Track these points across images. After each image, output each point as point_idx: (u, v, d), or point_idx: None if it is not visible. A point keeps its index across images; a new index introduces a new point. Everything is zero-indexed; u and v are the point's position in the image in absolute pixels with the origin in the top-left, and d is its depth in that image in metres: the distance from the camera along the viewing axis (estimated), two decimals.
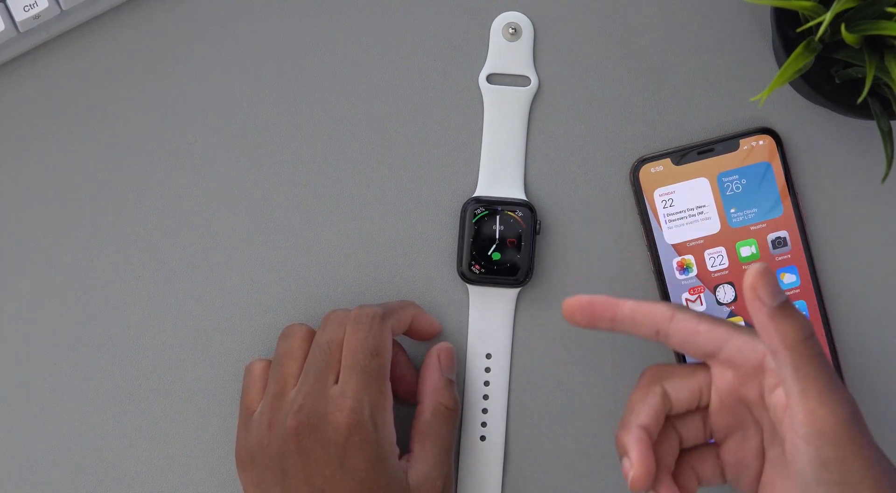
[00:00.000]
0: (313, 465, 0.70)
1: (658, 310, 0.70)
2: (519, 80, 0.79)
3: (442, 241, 0.79)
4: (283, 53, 0.79)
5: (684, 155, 0.77)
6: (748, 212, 0.77)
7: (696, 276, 0.77)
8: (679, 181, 0.77)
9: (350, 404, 0.71)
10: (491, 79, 0.79)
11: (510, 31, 0.79)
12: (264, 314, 0.78)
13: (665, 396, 0.70)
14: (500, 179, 0.78)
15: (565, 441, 0.78)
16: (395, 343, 0.76)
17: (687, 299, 0.77)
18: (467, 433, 0.78)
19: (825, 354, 0.68)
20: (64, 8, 0.76)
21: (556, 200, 0.79)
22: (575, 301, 0.71)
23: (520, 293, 0.78)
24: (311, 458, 0.70)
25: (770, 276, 0.66)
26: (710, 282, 0.77)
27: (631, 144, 0.78)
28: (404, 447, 0.76)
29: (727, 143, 0.77)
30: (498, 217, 0.78)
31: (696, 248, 0.77)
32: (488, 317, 0.78)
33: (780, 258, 0.77)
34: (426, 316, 0.77)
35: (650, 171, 0.77)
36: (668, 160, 0.77)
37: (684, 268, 0.77)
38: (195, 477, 0.78)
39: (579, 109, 0.79)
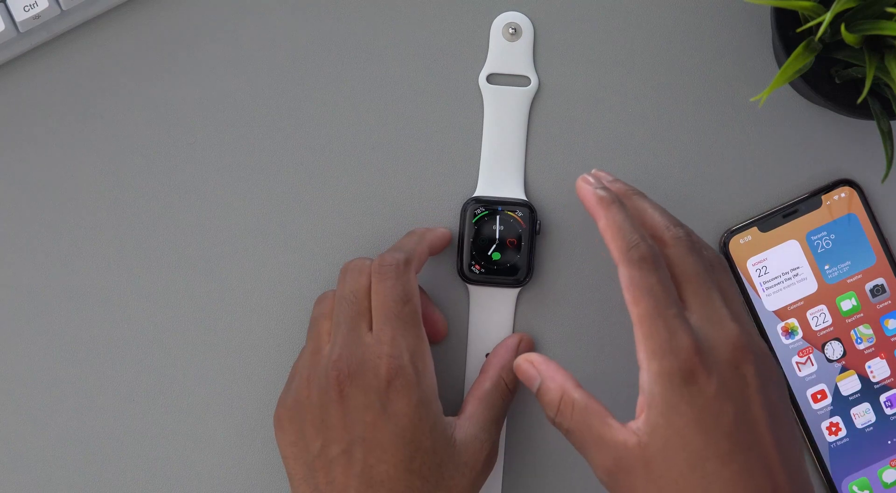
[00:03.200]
0: (354, 412, 0.70)
1: (613, 247, 0.69)
2: (519, 80, 0.79)
3: None
4: (283, 53, 0.79)
5: (770, 220, 0.77)
6: (842, 266, 0.78)
7: (803, 338, 0.77)
8: (769, 247, 0.77)
9: (388, 351, 0.71)
10: (491, 79, 0.79)
11: (510, 31, 0.79)
12: (265, 314, 0.78)
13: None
14: (500, 179, 0.78)
15: (565, 441, 0.78)
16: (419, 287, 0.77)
17: (797, 363, 0.77)
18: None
19: (581, 406, 0.69)
20: (64, 8, 0.76)
21: (556, 200, 0.79)
22: (578, 185, 0.72)
23: (520, 293, 0.78)
24: (351, 406, 0.70)
25: (523, 366, 0.71)
26: (816, 341, 0.77)
27: (633, 146, 0.78)
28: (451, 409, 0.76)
29: (809, 201, 0.78)
30: (498, 217, 0.78)
31: (798, 310, 0.77)
32: (488, 317, 0.78)
33: (881, 306, 0.77)
34: (436, 234, 0.77)
35: (739, 242, 0.77)
36: (755, 229, 0.77)
37: (789, 332, 0.77)
38: (195, 477, 0.78)
39: (579, 109, 0.79)
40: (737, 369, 0.67)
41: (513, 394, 0.75)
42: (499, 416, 0.74)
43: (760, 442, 0.66)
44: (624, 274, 0.68)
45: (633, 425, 0.67)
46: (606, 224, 0.69)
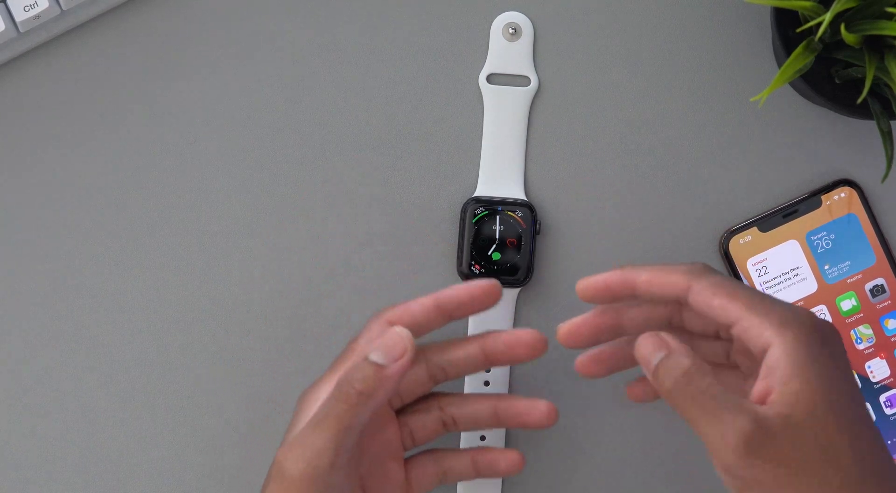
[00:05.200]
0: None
1: (674, 280, 0.68)
2: (519, 80, 0.79)
3: (442, 241, 0.79)
4: (283, 53, 0.79)
5: (770, 220, 0.77)
6: (842, 266, 0.78)
7: None
8: (769, 248, 0.77)
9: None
10: (491, 79, 0.79)
11: (510, 31, 0.79)
12: (264, 313, 0.78)
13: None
14: (500, 179, 0.78)
15: (565, 441, 0.78)
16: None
17: None
18: (468, 433, 0.78)
19: (708, 384, 0.65)
20: (64, 8, 0.76)
21: (556, 200, 0.79)
22: (588, 284, 0.70)
23: (520, 293, 0.78)
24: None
25: (647, 341, 0.66)
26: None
27: (633, 146, 0.78)
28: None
29: (809, 201, 0.78)
30: (498, 217, 0.78)
31: None
32: (488, 317, 0.78)
33: (881, 306, 0.77)
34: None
35: (739, 242, 0.77)
36: (755, 229, 0.77)
37: None
38: (195, 477, 0.78)
39: (579, 109, 0.79)
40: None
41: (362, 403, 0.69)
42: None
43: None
44: (703, 286, 0.67)
45: (771, 398, 0.64)
46: (650, 276, 0.69)
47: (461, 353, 0.72)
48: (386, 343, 0.69)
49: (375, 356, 0.69)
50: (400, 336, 0.69)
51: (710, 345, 0.71)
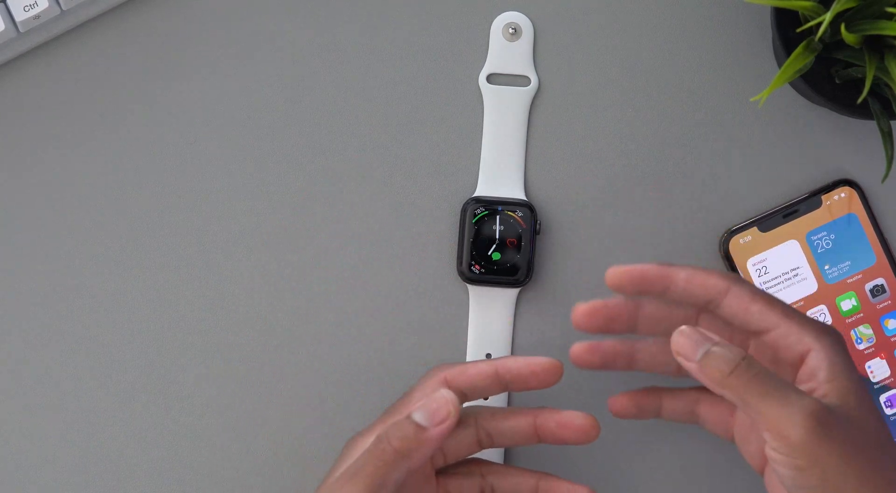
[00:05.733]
0: None
1: (714, 282, 0.69)
2: (519, 80, 0.79)
3: (442, 241, 0.79)
4: (283, 53, 0.79)
5: (770, 220, 0.77)
6: (842, 266, 0.78)
7: None
8: (769, 248, 0.77)
9: None
10: (491, 79, 0.79)
11: (510, 31, 0.79)
12: (263, 313, 0.78)
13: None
14: (500, 179, 0.78)
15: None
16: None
17: None
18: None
19: (761, 367, 0.67)
20: (64, 8, 0.76)
21: (556, 200, 0.79)
22: (623, 271, 0.70)
23: (520, 293, 0.78)
24: None
25: (688, 335, 0.67)
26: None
27: (633, 146, 0.78)
28: None
29: (809, 201, 0.78)
30: (498, 217, 0.78)
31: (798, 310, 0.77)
32: (488, 317, 0.78)
33: (881, 305, 0.77)
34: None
35: (739, 242, 0.77)
36: (755, 229, 0.77)
37: None
38: (195, 477, 0.78)
39: (579, 109, 0.79)
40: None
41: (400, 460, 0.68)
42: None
43: None
44: (743, 290, 0.69)
45: (818, 393, 0.67)
46: (689, 274, 0.70)
47: (512, 424, 0.72)
48: (430, 406, 0.68)
49: (418, 417, 0.68)
50: (445, 400, 0.69)
51: None
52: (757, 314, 0.69)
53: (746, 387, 0.66)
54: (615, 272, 0.70)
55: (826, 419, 0.65)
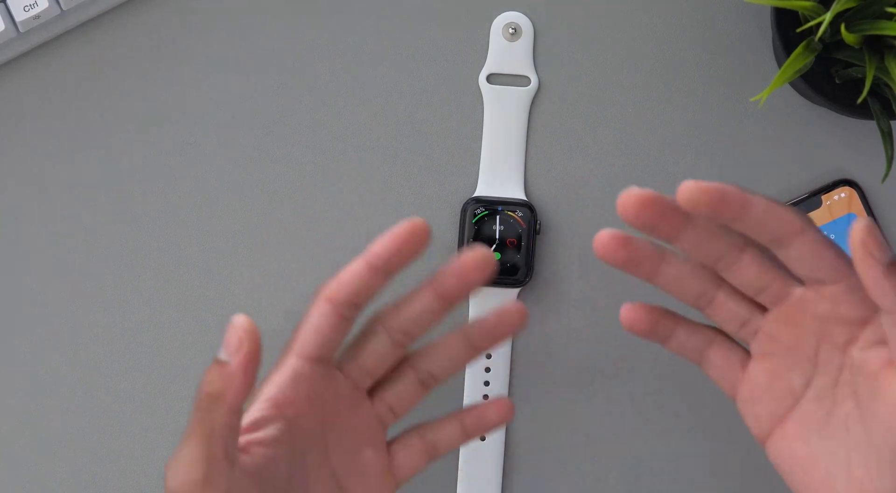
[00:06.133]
0: None
1: (790, 218, 0.63)
2: (519, 80, 0.79)
3: (442, 241, 0.79)
4: (282, 53, 0.79)
5: None
6: None
7: None
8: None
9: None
10: (491, 79, 0.79)
11: (510, 31, 0.79)
12: (264, 313, 0.78)
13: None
14: (500, 179, 0.78)
15: (565, 441, 0.78)
16: None
17: None
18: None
19: None
20: (64, 8, 0.76)
21: (556, 200, 0.79)
22: (702, 186, 0.62)
23: (520, 293, 0.78)
24: None
25: (877, 231, 0.61)
26: None
27: (633, 146, 0.78)
28: None
29: (809, 201, 0.77)
30: (498, 217, 0.78)
31: None
32: None
33: None
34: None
35: None
36: None
37: None
38: None
39: (579, 109, 0.79)
40: None
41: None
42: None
43: None
44: (817, 235, 0.64)
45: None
46: (768, 205, 0.63)
47: (416, 305, 0.68)
48: (225, 338, 0.62)
49: (220, 354, 0.62)
50: (234, 327, 0.62)
51: (737, 302, 0.67)
52: (829, 262, 0.64)
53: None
54: (690, 187, 0.62)
55: None
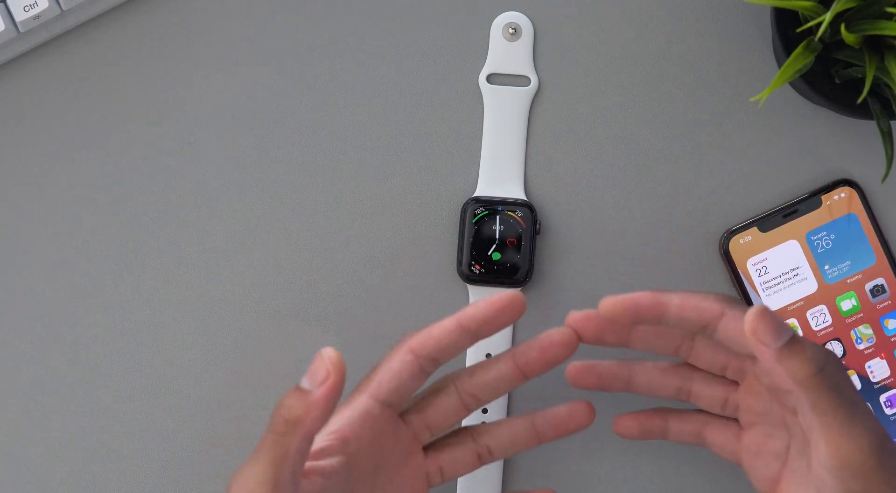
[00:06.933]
0: None
1: (707, 306, 0.67)
2: (519, 80, 0.79)
3: (442, 241, 0.79)
4: (282, 53, 0.79)
5: (770, 220, 0.77)
6: (842, 266, 0.77)
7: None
8: (769, 247, 0.77)
9: None
10: (491, 79, 0.79)
11: (510, 31, 0.79)
12: (264, 314, 0.78)
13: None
14: (500, 179, 0.78)
15: (565, 441, 0.78)
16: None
17: None
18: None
19: (844, 379, 0.65)
20: (64, 8, 0.76)
21: (556, 200, 0.79)
22: (616, 301, 0.68)
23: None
24: None
25: (770, 317, 0.64)
26: (816, 341, 0.77)
27: (633, 146, 0.78)
28: None
29: (809, 201, 0.78)
30: (498, 217, 0.78)
31: (797, 310, 0.77)
32: None
33: (881, 306, 0.77)
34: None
35: (739, 242, 0.77)
36: (755, 229, 0.77)
37: None
38: (195, 477, 0.78)
39: (579, 109, 0.79)
40: None
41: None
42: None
43: None
44: (738, 314, 0.67)
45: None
46: (682, 300, 0.68)
47: (492, 373, 0.71)
48: (311, 368, 0.65)
49: (303, 382, 0.65)
50: (322, 359, 0.65)
51: (711, 388, 0.71)
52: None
53: (826, 393, 0.63)
54: (608, 304, 0.68)
55: (887, 449, 0.64)
